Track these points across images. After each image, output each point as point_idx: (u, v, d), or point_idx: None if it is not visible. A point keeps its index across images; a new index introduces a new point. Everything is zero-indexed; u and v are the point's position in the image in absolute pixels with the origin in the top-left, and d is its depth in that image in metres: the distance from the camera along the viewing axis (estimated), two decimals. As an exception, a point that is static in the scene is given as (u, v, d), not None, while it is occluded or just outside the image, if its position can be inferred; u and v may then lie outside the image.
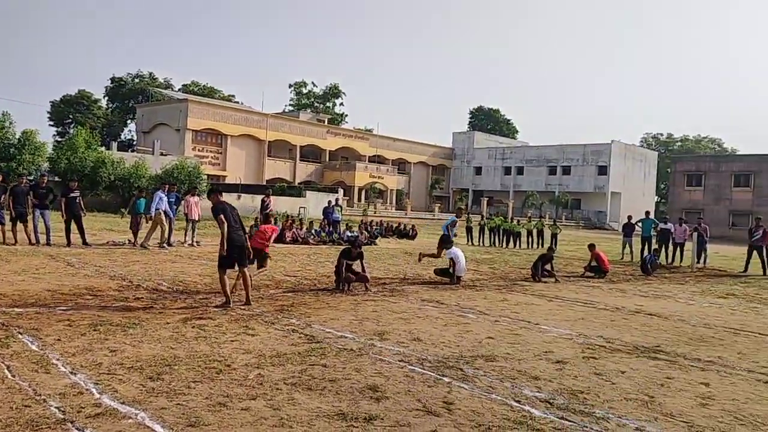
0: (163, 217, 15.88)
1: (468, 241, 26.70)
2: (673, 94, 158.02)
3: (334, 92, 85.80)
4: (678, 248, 21.07)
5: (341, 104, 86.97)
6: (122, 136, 73.57)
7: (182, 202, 17.85)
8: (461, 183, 78.85)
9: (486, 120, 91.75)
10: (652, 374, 5.99)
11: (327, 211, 24.33)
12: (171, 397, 4.51)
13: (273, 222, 13.46)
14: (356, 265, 10.76)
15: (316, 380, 5.11)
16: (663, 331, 8.39)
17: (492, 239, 27.60)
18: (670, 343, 7.57)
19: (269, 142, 60.30)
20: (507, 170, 75.31)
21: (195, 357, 5.60)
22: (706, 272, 19.01)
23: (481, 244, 27.01)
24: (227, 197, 14.21)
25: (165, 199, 16.13)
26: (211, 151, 56.44)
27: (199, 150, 54.49)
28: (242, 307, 8.21)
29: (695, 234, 20.24)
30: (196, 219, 17.26)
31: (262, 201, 20.44)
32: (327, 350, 6.16)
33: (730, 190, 60.78)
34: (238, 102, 76.36)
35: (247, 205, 32.52)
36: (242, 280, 8.60)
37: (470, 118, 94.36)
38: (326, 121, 72.26)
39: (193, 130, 54.50)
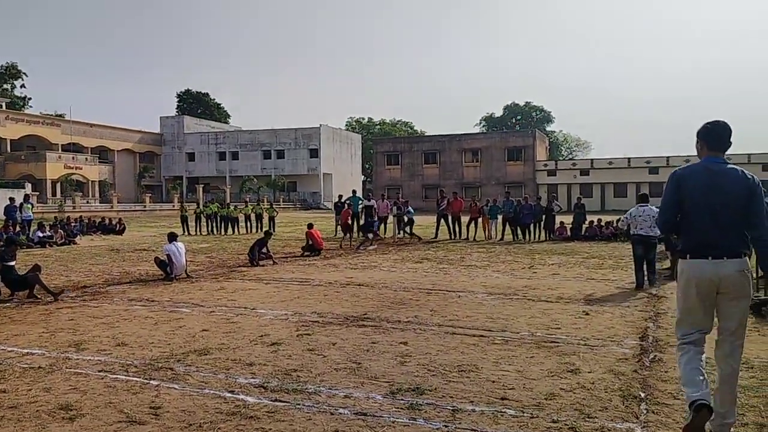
0: None
1: (184, 231, 25.52)
2: (372, 83, 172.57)
3: (12, 72, 73.78)
4: (382, 222, 23.12)
5: (23, 86, 75.44)
6: None
7: None
8: (174, 170, 75.15)
9: (195, 104, 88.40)
10: (359, 341, 6.40)
11: (10, 210, 20.95)
12: None
13: None
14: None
15: (-10, 412, 4.29)
16: (369, 299, 9.07)
17: (210, 227, 26.88)
18: (375, 309, 8.21)
19: (-74, 131, 49.59)
20: (221, 155, 74.04)
21: None
22: (404, 241, 21.23)
23: (198, 233, 26.12)
24: None
25: None
26: None
27: None
28: None
29: (395, 208, 22.46)
30: None
31: None
32: (7, 373, 5.24)
33: (422, 167, 69.05)
34: None
35: None
36: None
37: (178, 101, 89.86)
38: (4, 106, 62.00)
39: None
